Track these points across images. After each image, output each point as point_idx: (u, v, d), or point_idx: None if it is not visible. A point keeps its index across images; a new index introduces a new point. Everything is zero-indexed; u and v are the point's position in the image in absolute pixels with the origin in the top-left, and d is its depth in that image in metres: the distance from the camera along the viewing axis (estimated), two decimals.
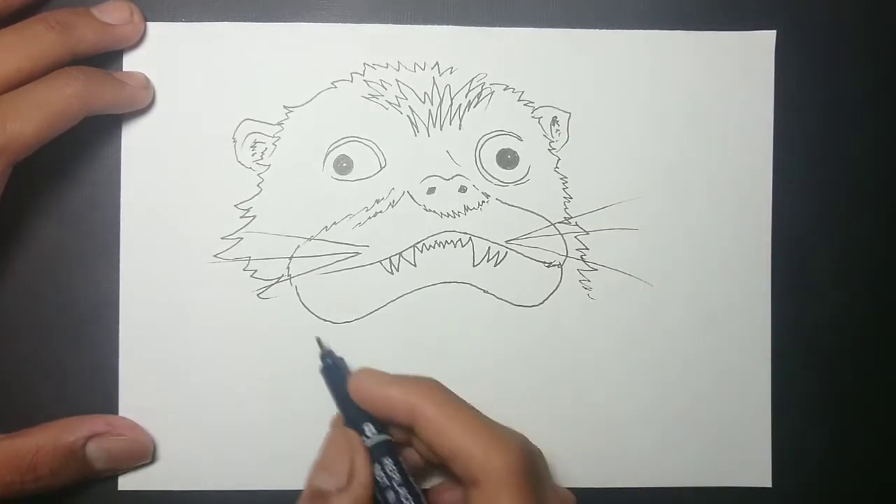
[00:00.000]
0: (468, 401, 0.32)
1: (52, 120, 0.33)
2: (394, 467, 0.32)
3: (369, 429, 0.32)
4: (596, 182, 0.37)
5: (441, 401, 0.31)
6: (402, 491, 0.31)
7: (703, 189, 0.38)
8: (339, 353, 0.36)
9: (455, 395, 0.32)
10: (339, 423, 0.34)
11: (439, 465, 0.32)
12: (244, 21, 0.37)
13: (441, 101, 0.37)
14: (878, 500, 0.38)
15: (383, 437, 0.32)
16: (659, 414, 0.37)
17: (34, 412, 0.36)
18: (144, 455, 0.36)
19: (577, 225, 0.37)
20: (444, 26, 0.37)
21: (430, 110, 0.37)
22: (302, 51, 0.37)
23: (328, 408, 0.36)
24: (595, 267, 0.37)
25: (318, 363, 0.35)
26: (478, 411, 0.32)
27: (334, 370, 0.35)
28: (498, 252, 0.37)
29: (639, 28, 0.37)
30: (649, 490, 0.37)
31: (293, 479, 0.36)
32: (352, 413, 0.33)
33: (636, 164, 0.37)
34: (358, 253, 0.37)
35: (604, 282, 0.37)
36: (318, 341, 0.36)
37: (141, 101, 0.36)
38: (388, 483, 0.31)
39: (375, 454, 0.32)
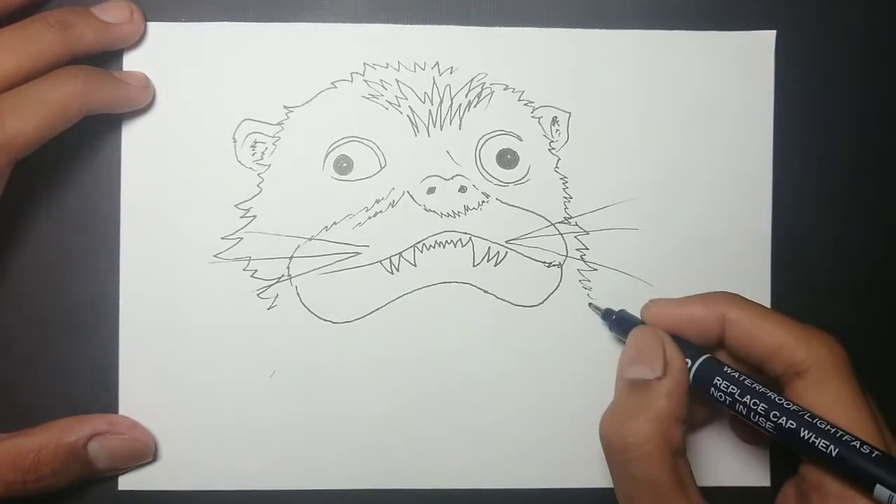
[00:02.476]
0: (468, 401, 0.32)
1: (52, 118, 0.33)
2: (728, 381, 0.32)
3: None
4: (596, 182, 0.37)
5: (748, 305, 0.33)
6: (748, 399, 0.31)
7: (703, 189, 0.38)
8: (338, 352, 0.36)
9: (751, 300, 0.33)
10: (638, 326, 0.34)
11: (750, 368, 0.33)
12: (244, 21, 0.37)
13: (441, 101, 0.37)
14: None
15: (703, 355, 0.33)
16: None
17: (35, 412, 0.36)
18: (146, 454, 0.36)
19: (577, 225, 0.37)
20: (444, 26, 0.37)
21: (430, 110, 0.37)
22: (302, 51, 0.37)
23: (328, 408, 0.36)
24: (595, 267, 0.37)
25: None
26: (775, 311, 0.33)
27: (622, 320, 0.35)
28: (498, 252, 0.37)
29: (639, 28, 0.37)
30: None
31: (293, 479, 0.36)
32: None
33: (636, 164, 0.37)
34: (358, 253, 0.37)
35: (604, 282, 0.37)
36: (593, 307, 0.37)
37: (141, 101, 0.36)
38: (731, 398, 0.31)
39: (704, 379, 0.32)
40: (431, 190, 0.37)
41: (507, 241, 0.37)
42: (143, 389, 0.36)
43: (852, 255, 0.38)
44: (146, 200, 0.36)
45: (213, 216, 0.36)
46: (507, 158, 0.37)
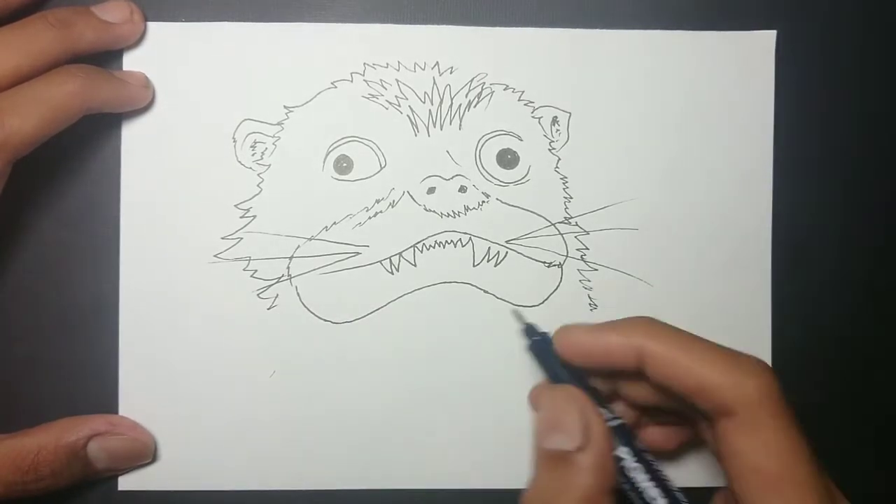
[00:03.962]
0: (468, 401, 0.32)
1: (52, 117, 0.32)
2: (634, 456, 0.29)
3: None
4: (596, 182, 0.37)
5: (667, 335, 0.30)
6: (649, 484, 0.29)
7: (703, 189, 0.38)
8: (338, 352, 0.36)
9: (672, 326, 0.30)
10: (549, 386, 0.32)
11: (671, 404, 0.31)
12: (244, 21, 0.37)
13: (441, 101, 0.37)
14: (877, 500, 0.38)
15: (617, 421, 0.30)
16: None
17: (34, 412, 0.36)
18: (145, 454, 0.36)
19: (577, 225, 0.37)
20: (444, 26, 0.37)
21: (430, 110, 0.37)
22: (302, 51, 0.37)
23: (328, 408, 0.36)
24: (595, 267, 0.37)
25: (519, 342, 0.34)
26: (704, 339, 0.30)
27: (541, 343, 0.33)
28: (498, 252, 0.37)
29: (639, 28, 0.37)
30: None
31: (293, 479, 0.36)
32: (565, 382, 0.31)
33: (636, 164, 0.37)
34: (358, 253, 0.37)
35: (604, 282, 0.37)
36: (517, 314, 0.35)
37: (141, 101, 0.36)
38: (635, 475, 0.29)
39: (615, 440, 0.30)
40: (431, 190, 0.37)
41: (507, 241, 0.37)
42: (143, 389, 0.36)
43: (852, 255, 0.38)
44: (146, 200, 0.36)
45: (213, 216, 0.36)
46: (508, 158, 0.37)
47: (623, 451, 0.30)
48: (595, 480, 0.28)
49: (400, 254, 0.37)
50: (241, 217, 0.37)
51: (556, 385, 0.31)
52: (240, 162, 0.37)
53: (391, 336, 0.37)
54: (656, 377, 0.29)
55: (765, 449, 0.27)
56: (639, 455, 0.30)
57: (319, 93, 0.37)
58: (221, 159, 0.37)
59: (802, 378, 0.38)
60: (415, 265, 0.37)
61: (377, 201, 0.37)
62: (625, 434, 0.30)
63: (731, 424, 0.28)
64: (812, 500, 0.27)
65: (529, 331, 0.34)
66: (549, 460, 0.29)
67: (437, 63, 0.37)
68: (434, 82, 0.37)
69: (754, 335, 0.37)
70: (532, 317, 0.36)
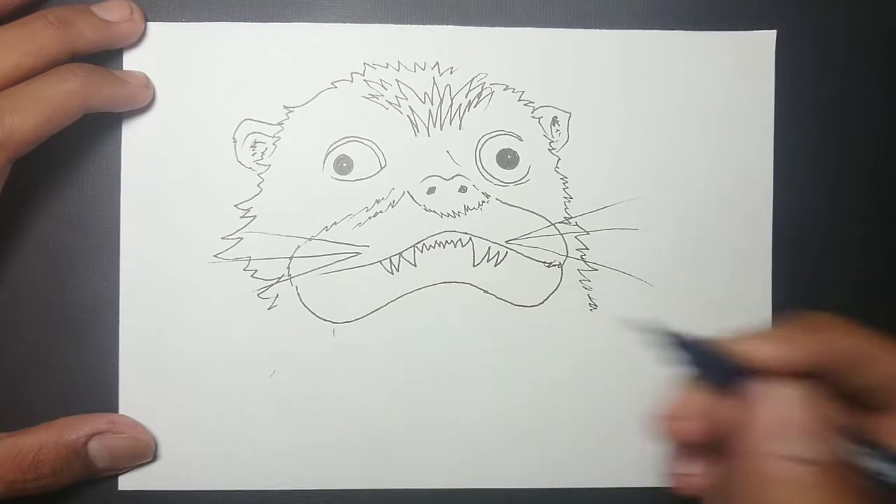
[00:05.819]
0: (468, 401, 0.32)
1: (51, 116, 0.32)
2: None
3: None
4: (596, 182, 0.37)
5: (848, 331, 0.29)
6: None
7: (703, 189, 0.38)
8: (338, 352, 0.36)
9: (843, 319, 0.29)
10: (770, 383, 0.28)
11: (856, 398, 0.29)
12: (244, 21, 0.37)
13: (441, 101, 0.37)
14: None
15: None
16: None
17: (35, 411, 0.36)
18: (146, 454, 0.36)
19: (577, 225, 0.37)
20: (444, 26, 0.37)
21: (430, 110, 0.37)
22: (302, 51, 0.37)
23: (329, 408, 0.36)
24: (595, 267, 0.37)
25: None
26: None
27: (701, 351, 0.29)
28: (498, 252, 0.37)
29: (639, 28, 0.37)
30: (650, 489, 0.37)
31: (293, 479, 0.37)
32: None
33: (636, 164, 0.37)
34: (358, 253, 0.37)
35: (604, 282, 0.37)
36: (642, 328, 0.31)
37: (141, 100, 0.36)
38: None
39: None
40: (431, 190, 0.37)
41: (507, 241, 0.37)
42: (143, 389, 0.36)
43: (853, 254, 0.38)
44: (146, 200, 0.36)
45: (213, 216, 0.36)
46: (508, 158, 0.37)
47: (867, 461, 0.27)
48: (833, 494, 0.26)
49: (400, 254, 0.37)
50: (241, 217, 0.37)
51: (782, 383, 0.28)
52: (240, 162, 0.37)
53: (391, 336, 0.37)
54: (872, 378, 0.28)
55: None
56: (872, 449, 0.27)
57: (319, 93, 0.37)
58: (221, 159, 0.37)
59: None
60: (415, 265, 0.37)
61: (377, 201, 0.37)
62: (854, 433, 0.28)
63: None
64: None
65: (673, 340, 0.30)
66: (773, 467, 0.26)
67: (437, 63, 0.37)
68: (434, 82, 0.37)
69: None
70: (532, 317, 0.37)
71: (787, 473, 0.26)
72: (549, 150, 0.37)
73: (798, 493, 0.26)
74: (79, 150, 0.36)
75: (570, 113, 0.37)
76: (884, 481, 0.27)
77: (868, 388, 0.29)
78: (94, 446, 0.35)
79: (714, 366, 0.29)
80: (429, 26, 0.37)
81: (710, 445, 0.30)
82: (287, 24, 0.37)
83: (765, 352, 0.28)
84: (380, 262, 0.37)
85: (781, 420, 0.27)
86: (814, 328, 0.29)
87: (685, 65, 0.37)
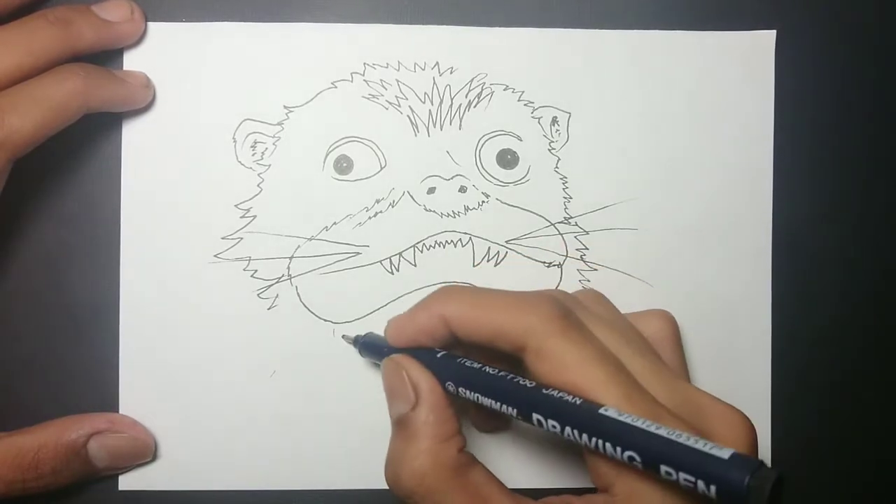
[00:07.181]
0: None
1: (52, 115, 0.32)
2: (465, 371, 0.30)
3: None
4: (596, 182, 0.37)
5: (461, 296, 0.31)
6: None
7: (703, 189, 0.38)
8: (338, 352, 0.36)
9: (469, 286, 0.35)
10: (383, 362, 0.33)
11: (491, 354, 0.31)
12: (244, 21, 0.37)
13: (441, 101, 0.37)
14: (878, 498, 0.38)
15: (440, 353, 0.31)
16: None
17: (35, 411, 0.36)
18: (145, 453, 0.36)
19: (577, 225, 0.37)
20: (444, 26, 0.37)
21: (430, 110, 0.37)
22: (302, 51, 0.37)
23: (328, 408, 0.36)
24: (595, 267, 0.37)
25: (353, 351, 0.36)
26: (499, 290, 0.31)
27: (368, 344, 0.35)
28: (498, 252, 0.37)
29: (639, 28, 0.37)
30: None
31: (293, 479, 0.37)
32: None
33: (636, 164, 0.37)
34: (358, 253, 0.37)
35: (603, 282, 0.37)
36: (346, 338, 0.36)
37: (141, 100, 0.36)
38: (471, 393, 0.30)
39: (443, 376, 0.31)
40: (431, 190, 0.37)
41: (507, 241, 0.37)
42: (143, 389, 0.36)
43: (853, 254, 0.38)
44: (146, 201, 0.36)
45: (213, 216, 0.36)
46: (507, 158, 0.37)
47: (450, 385, 0.31)
48: (430, 430, 0.30)
49: (400, 254, 0.37)
50: (241, 217, 0.37)
51: (385, 360, 0.32)
52: (240, 162, 0.37)
53: None
54: (463, 337, 0.30)
55: (556, 369, 0.28)
56: (463, 377, 0.30)
57: (319, 93, 0.37)
58: (221, 159, 0.37)
59: (803, 378, 0.38)
60: (415, 265, 0.37)
61: (377, 201, 0.37)
62: (449, 365, 0.31)
63: (528, 359, 0.29)
64: (614, 396, 0.27)
65: (356, 340, 0.35)
66: (397, 426, 0.31)
67: (437, 63, 0.37)
68: (434, 82, 0.37)
69: (754, 335, 0.37)
70: None
71: (397, 433, 0.31)
72: (549, 150, 0.37)
73: (401, 444, 0.30)
74: (79, 150, 0.36)
75: (569, 113, 0.37)
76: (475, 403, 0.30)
77: (483, 346, 0.30)
78: (93, 446, 0.35)
79: (380, 351, 0.33)
80: (429, 26, 0.37)
81: None
82: (287, 24, 0.37)
83: (389, 331, 0.32)
84: (380, 262, 0.37)
85: (386, 389, 0.32)
86: (427, 303, 0.31)
87: (685, 65, 0.37)
